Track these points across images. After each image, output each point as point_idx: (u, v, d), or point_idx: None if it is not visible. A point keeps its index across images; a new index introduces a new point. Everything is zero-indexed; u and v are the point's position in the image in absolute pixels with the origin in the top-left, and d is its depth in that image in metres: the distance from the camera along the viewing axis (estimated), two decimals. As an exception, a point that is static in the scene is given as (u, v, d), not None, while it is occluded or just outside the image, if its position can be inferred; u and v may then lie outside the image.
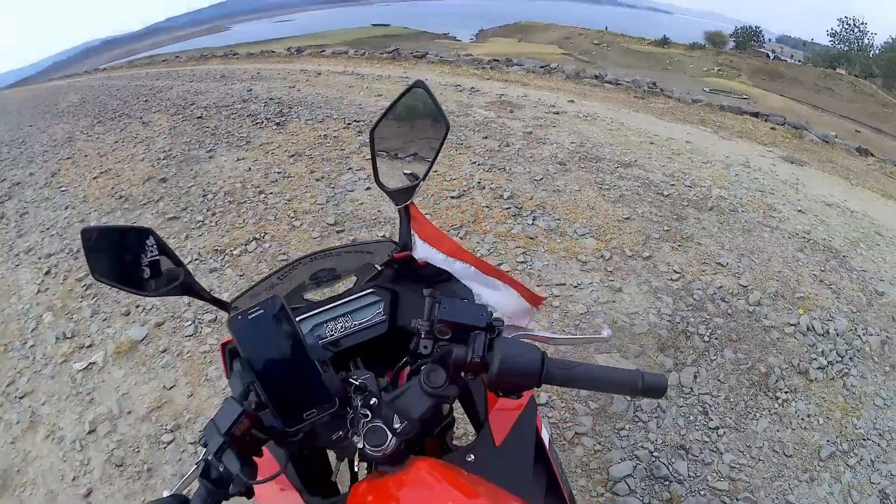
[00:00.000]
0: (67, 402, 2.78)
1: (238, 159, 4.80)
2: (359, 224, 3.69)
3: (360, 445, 0.69)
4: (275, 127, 5.42)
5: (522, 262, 3.20)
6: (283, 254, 3.46)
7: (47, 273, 3.83)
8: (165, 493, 0.87)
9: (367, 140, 4.82)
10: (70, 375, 2.91)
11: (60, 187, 5.08)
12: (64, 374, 2.94)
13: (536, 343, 0.74)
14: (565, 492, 0.90)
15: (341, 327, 0.97)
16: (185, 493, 0.66)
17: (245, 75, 9.50)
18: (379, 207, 3.84)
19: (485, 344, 0.67)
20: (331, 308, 0.98)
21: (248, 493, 0.64)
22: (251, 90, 7.52)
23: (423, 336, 0.71)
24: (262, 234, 3.69)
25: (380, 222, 3.68)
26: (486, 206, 3.84)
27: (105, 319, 3.23)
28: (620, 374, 0.64)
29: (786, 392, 2.47)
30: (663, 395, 0.63)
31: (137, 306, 3.25)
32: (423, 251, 0.96)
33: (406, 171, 0.97)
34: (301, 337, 0.66)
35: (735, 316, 2.87)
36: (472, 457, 0.82)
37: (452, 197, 3.93)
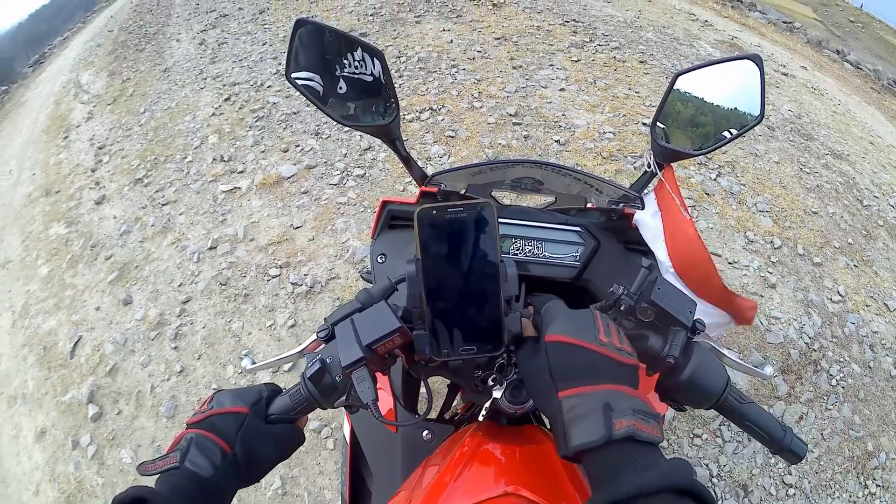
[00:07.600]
0: (202, 217, 3.05)
1: (443, 30, 4.70)
2: (538, 121, 3.48)
3: (496, 395, 0.61)
4: (491, 7, 5.17)
5: (687, 214, 2.84)
6: (453, 130, 3.38)
7: (227, 99, 4.13)
8: (245, 362, 0.82)
9: (580, 42, 4.44)
10: (213, 195, 3.18)
11: (264, 24, 5.38)
12: (208, 192, 3.22)
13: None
14: None
15: (529, 251, 0.86)
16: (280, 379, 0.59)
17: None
18: (566, 111, 3.57)
19: (682, 345, 0.56)
20: (528, 226, 0.87)
21: (351, 409, 0.57)
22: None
23: (621, 307, 0.58)
24: (440, 107, 3.62)
25: (560, 127, 3.43)
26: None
27: (263, 151, 3.44)
28: (773, 426, 0.58)
29: (877, 485, 2.02)
30: (798, 462, 0.58)
31: (297, 146, 3.41)
32: (650, 220, 0.82)
33: (688, 135, 0.86)
34: (500, 263, 0.54)
35: (874, 373, 2.36)
36: None
37: (644, 124, 3.57)
